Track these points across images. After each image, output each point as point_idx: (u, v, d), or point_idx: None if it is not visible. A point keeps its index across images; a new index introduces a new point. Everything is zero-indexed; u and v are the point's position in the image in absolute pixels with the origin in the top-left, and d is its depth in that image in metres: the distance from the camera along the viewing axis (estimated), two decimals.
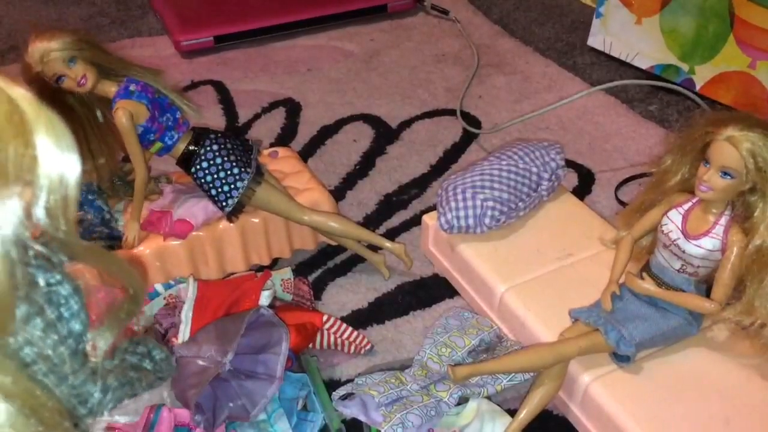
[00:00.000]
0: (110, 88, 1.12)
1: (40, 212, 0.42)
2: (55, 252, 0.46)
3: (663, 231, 0.99)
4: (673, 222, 0.98)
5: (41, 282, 0.46)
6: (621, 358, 0.99)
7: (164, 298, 1.15)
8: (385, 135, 1.67)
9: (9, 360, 0.44)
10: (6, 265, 0.40)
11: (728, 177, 0.89)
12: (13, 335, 0.44)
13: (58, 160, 0.42)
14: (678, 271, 0.98)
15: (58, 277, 0.47)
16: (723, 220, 0.94)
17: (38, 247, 0.44)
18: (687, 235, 0.96)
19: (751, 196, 0.92)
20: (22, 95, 0.42)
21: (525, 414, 0.99)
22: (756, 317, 0.93)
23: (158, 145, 1.16)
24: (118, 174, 1.26)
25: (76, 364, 0.49)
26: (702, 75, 1.72)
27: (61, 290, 0.47)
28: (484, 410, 1.02)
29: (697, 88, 1.72)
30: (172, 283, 1.17)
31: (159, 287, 1.16)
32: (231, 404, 0.96)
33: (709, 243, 0.94)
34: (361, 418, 1.00)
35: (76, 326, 0.48)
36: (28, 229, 0.41)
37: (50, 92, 1.09)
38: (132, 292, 0.53)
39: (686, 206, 0.97)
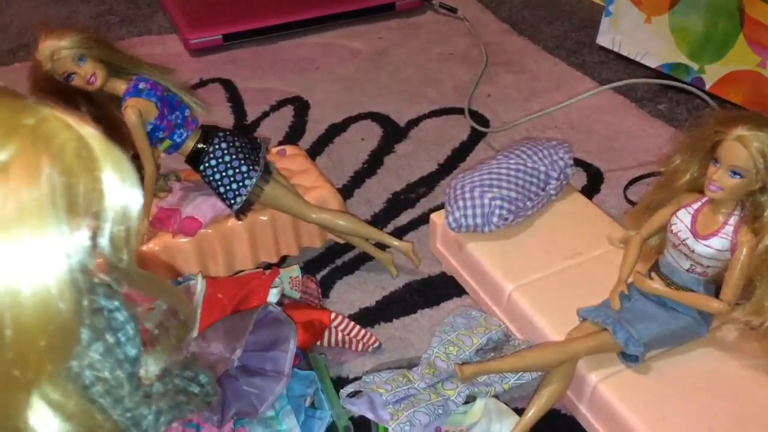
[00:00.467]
0: (120, 86, 1.12)
1: (104, 242, 0.45)
2: (116, 280, 0.49)
3: (672, 231, 0.98)
4: (682, 222, 0.97)
5: (103, 308, 0.49)
6: (629, 358, 0.99)
7: None
8: (393, 133, 1.67)
9: (71, 383, 0.47)
10: (74, 293, 0.43)
11: (738, 176, 0.89)
12: (76, 359, 0.47)
13: (123, 194, 0.45)
14: (687, 270, 0.98)
15: (117, 303, 0.50)
16: (732, 220, 0.94)
17: (102, 276, 0.47)
18: (696, 235, 0.95)
19: (761, 196, 0.91)
20: (91, 133, 0.45)
21: (533, 413, 0.99)
22: (765, 318, 0.93)
23: (167, 142, 1.17)
24: None
25: (131, 387, 0.51)
26: (712, 74, 1.71)
27: (119, 316, 0.50)
28: (492, 409, 1.02)
29: (707, 87, 1.71)
30: (181, 280, 1.17)
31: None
32: (239, 401, 0.96)
33: (719, 243, 0.94)
34: (369, 415, 1.00)
35: (132, 351, 0.51)
36: (93, 258, 0.44)
37: (59, 90, 1.09)
38: (183, 318, 0.56)
39: (695, 206, 0.97)
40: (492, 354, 1.09)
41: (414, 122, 1.71)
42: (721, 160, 0.90)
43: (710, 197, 0.93)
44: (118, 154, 0.46)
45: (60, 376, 0.46)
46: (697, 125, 0.96)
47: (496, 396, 1.04)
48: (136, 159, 1.20)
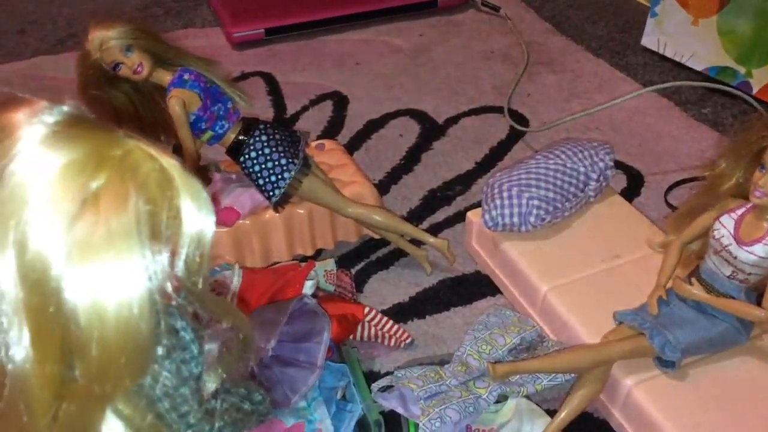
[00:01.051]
0: (165, 77, 1.14)
1: (180, 266, 0.48)
2: (189, 302, 0.52)
3: (714, 236, 0.96)
4: (725, 227, 0.95)
5: (176, 329, 0.52)
6: (666, 364, 0.97)
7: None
8: (431, 130, 1.67)
9: (143, 399, 0.50)
10: (153, 313, 0.46)
11: None
12: (149, 375, 0.50)
13: (199, 222, 0.48)
14: (728, 277, 0.96)
15: (184, 324, 0.53)
16: None
17: (177, 298, 0.50)
18: (739, 241, 0.93)
19: None
20: (172, 164, 0.47)
21: (565, 415, 0.98)
22: None
23: (209, 133, 1.18)
24: None
25: (195, 404, 0.54)
26: (759, 78, 1.67)
27: (185, 335, 0.53)
28: (523, 409, 1.01)
29: (754, 91, 1.67)
30: (218, 269, 1.19)
31: None
32: (272, 390, 0.97)
33: (762, 250, 0.92)
34: (400, 410, 1.00)
35: (196, 369, 0.54)
36: (171, 281, 0.47)
37: (107, 79, 1.12)
38: (243, 338, 0.59)
39: (739, 212, 0.95)
40: (525, 354, 1.08)
41: (452, 120, 1.70)
42: (767, 166, 0.88)
43: (755, 203, 0.91)
44: (196, 183, 0.48)
45: (133, 392, 0.49)
46: (744, 129, 0.94)
47: (528, 396, 1.03)
48: (178, 149, 1.23)
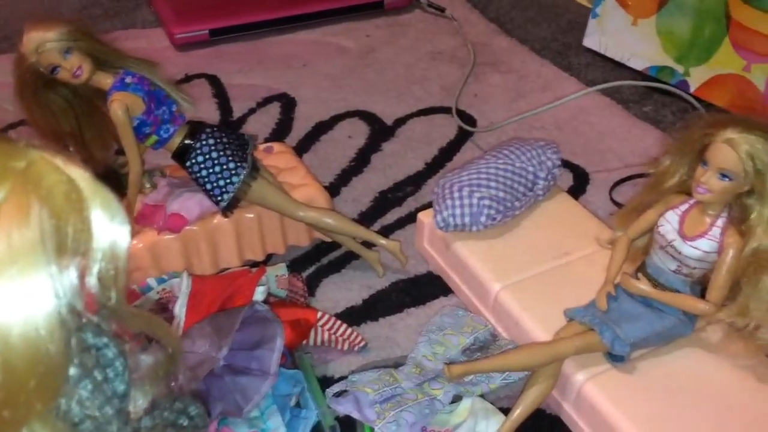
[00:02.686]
0: (106, 80, 1.11)
1: (92, 281, 0.46)
2: (105, 318, 0.49)
3: (659, 232, 0.99)
4: (669, 223, 0.98)
5: (91, 346, 0.50)
6: (615, 358, 0.99)
7: (157, 293, 1.14)
8: (380, 132, 1.67)
9: (60, 421, 0.48)
10: (63, 332, 0.43)
11: (726, 179, 0.89)
12: (64, 397, 0.48)
13: (111, 234, 0.46)
14: (674, 272, 0.99)
15: (106, 340, 0.50)
16: (720, 222, 0.94)
17: (90, 315, 0.48)
18: (683, 237, 0.96)
19: (748, 199, 0.92)
20: (80, 174, 0.45)
21: (519, 413, 0.99)
22: (750, 319, 0.93)
23: (153, 138, 1.15)
24: (113, 167, 1.25)
25: (120, 423, 0.52)
26: (697, 77, 1.72)
27: (108, 353, 0.51)
28: (478, 408, 1.02)
29: (692, 90, 1.73)
30: (166, 277, 1.16)
31: (152, 282, 1.15)
32: (224, 400, 0.95)
33: (706, 245, 0.95)
34: (355, 415, 0.99)
35: (121, 386, 0.52)
36: (81, 297, 0.45)
37: (44, 83, 1.08)
38: (171, 352, 0.57)
39: (683, 207, 0.98)
40: (478, 354, 1.09)
41: (401, 121, 1.70)
42: (709, 163, 0.90)
43: (698, 199, 0.94)
44: (107, 193, 0.47)
45: (49, 415, 0.46)
46: (686, 127, 0.96)
47: (482, 395, 1.04)
48: (121, 154, 1.19)
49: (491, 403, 1.04)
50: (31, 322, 0.41)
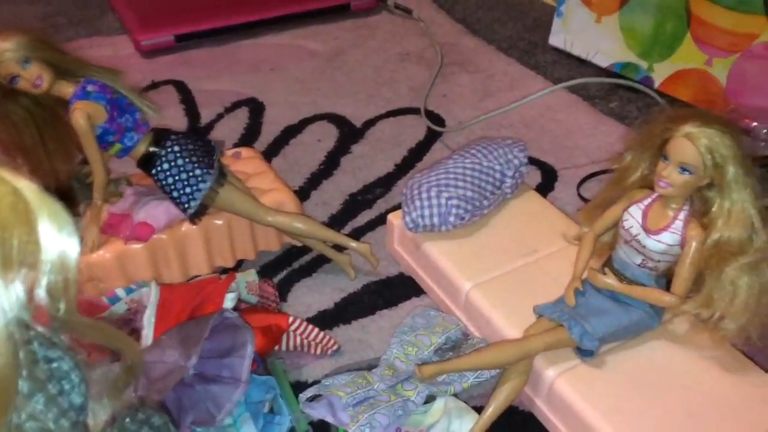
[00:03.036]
0: (67, 89, 1.09)
1: (41, 294, 0.46)
2: (56, 330, 0.49)
3: (624, 227, 1.00)
4: (633, 218, 0.99)
5: (42, 359, 0.49)
6: (584, 353, 1.00)
7: (126, 303, 1.12)
8: (349, 134, 1.67)
9: None
10: (10, 346, 0.43)
11: (686, 173, 0.91)
12: (16, 411, 0.47)
13: (59, 245, 0.46)
14: (639, 265, 1.00)
15: (59, 353, 0.50)
16: (682, 215, 0.96)
17: (39, 328, 0.47)
18: (647, 231, 0.97)
19: (709, 191, 0.94)
20: (26, 185, 0.45)
21: (492, 410, 0.99)
22: (714, 310, 0.95)
23: (117, 146, 1.14)
24: (77, 176, 1.24)
25: None
26: (660, 72, 1.75)
27: (63, 365, 0.50)
28: (451, 408, 1.02)
29: (656, 85, 1.75)
30: (134, 287, 1.15)
31: (120, 292, 1.14)
32: (196, 409, 0.95)
33: (669, 238, 0.96)
34: (329, 419, 0.99)
35: (77, 399, 0.51)
36: (29, 310, 0.45)
37: (4, 94, 1.06)
38: (130, 363, 0.56)
39: (646, 202, 0.99)
40: (451, 353, 1.09)
41: (370, 123, 1.71)
42: (670, 157, 0.91)
43: (660, 193, 0.95)
44: (54, 204, 0.46)
45: (1, 429, 0.46)
46: (647, 123, 0.98)
47: (455, 395, 1.04)
48: (85, 163, 1.18)
49: (464, 402, 1.04)
50: None
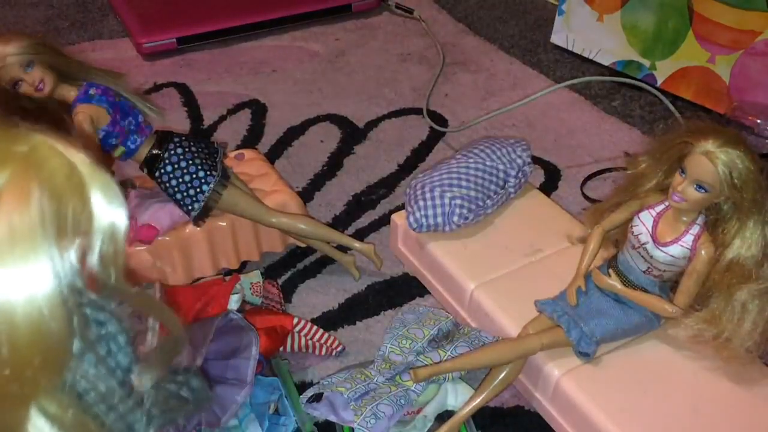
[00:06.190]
0: (69, 93, 1.10)
1: (94, 261, 0.48)
2: (106, 297, 0.52)
3: (633, 232, 0.98)
4: (643, 224, 0.97)
5: (93, 322, 0.52)
6: (582, 354, 1.00)
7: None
8: (352, 135, 1.67)
9: (66, 395, 0.50)
10: (65, 311, 0.45)
11: (702, 191, 0.88)
12: (70, 371, 0.50)
13: (110, 216, 0.48)
14: (644, 272, 0.99)
15: (108, 316, 0.52)
16: (694, 229, 0.94)
17: (91, 294, 0.50)
18: (656, 241, 0.96)
19: (724, 205, 0.92)
20: (80, 158, 0.47)
21: (485, 395, 0.99)
22: (722, 330, 0.93)
23: (120, 149, 1.14)
24: None
25: (123, 394, 0.54)
26: (663, 70, 1.75)
27: (111, 328, 0.53)
28: (447, 385, 1.03)
29: (659, 83, 1.75)
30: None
31: None
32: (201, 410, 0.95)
33: (678, 251, 0.94)
34: (332, 418, 0.99)
35: (124, 360, 0.54)
36: (82, 277, 0.47)
37: (7, 97, 1.06)
38: (175, 334, 0.59)
39: (659, 209, 0.97)
40: (444, 342, 1.09)
41: (373, 123, 1.70)
42: (687, 172, 0.89)
43: (672, 206, 0.93)
44: (106, 177, 0.48)
45: (56, 389, 0.48)
46: (667, 132, 0.95)
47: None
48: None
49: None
50: (34, 302, 0.43)
